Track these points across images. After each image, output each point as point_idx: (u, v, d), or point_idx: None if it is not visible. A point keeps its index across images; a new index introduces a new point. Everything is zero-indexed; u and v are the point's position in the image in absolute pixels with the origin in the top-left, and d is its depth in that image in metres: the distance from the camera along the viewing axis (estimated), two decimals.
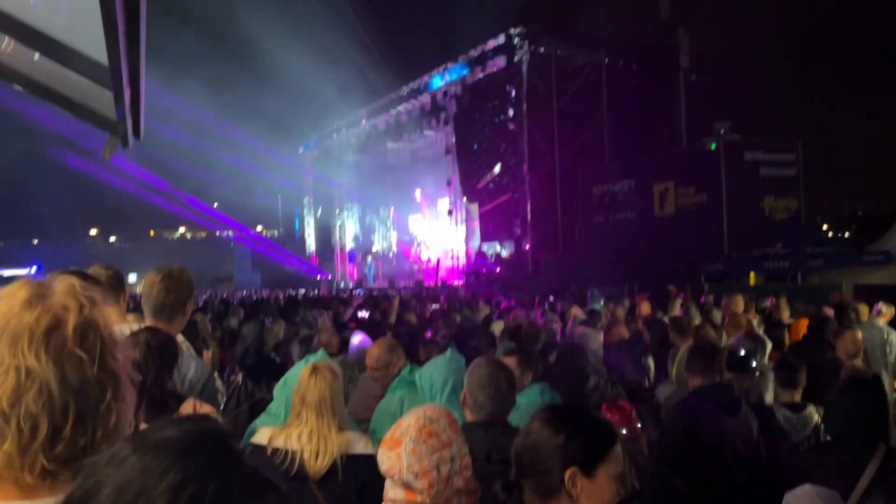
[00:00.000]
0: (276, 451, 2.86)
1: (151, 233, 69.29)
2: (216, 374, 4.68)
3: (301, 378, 2.99)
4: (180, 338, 3.31)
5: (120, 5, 2.60)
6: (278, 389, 3.50)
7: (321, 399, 2.90)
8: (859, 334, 5.54)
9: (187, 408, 2.44)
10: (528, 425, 1.76)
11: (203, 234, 66.98)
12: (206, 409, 2.54)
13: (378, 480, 2.87)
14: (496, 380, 2.80)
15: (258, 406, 4.13)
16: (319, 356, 4.25)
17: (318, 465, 2.81)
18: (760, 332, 7.03)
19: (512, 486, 1.74)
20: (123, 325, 3.11)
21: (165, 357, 2.43)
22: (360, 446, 2.92)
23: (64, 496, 0.88)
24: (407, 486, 1.88)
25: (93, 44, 3.73)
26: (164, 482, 0.84)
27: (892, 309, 7.80)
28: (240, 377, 4.48)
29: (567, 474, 1.62)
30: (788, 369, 4.37)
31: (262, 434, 2.97)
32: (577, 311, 8.82)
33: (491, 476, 2.15)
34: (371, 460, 2.88)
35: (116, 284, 3.23)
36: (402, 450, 1.89)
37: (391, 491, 1.93)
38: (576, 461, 1.64)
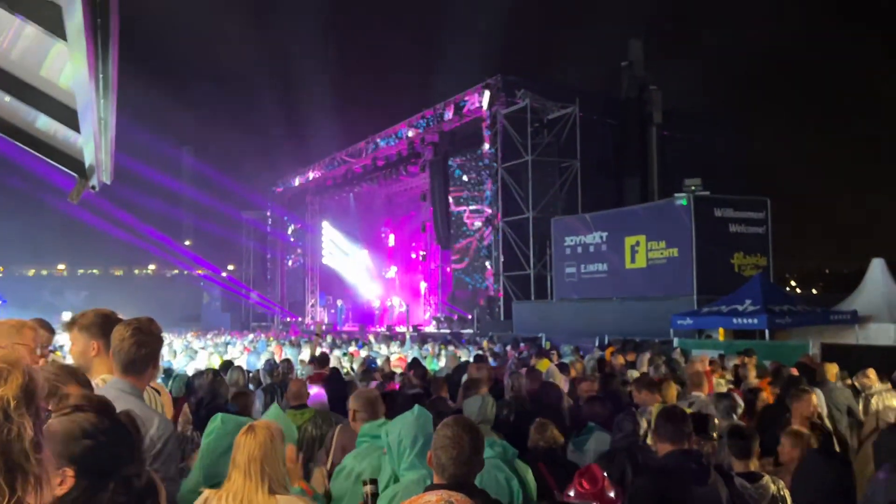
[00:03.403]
0: None
1: (120, 270, 68.34)
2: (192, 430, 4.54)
3: (237, 437, 2.93)
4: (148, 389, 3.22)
5: (90, 51, 2.57)
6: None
7: (249, 459, 2.82)
8: (814, 397, 5.52)
9: None
10: None
11: (173, 272, 66.24)
12: None
13: None
14: (460, 442, 2.75)
15: None
16: (272, 411, 4.16)
17: None
18: (725, 390, 7.06)
19: None
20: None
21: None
22: None
23: None
24: None
25: (64, 88, 3.70)
26: None
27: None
28: (189, 429, 4.35)
29: None
30: (741, 437, 4.25)
31: (202, 497, 2.89)
32: (549, 366, 8.76)
33: None
34: None
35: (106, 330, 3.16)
36: None
37: None
38: None
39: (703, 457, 3.74)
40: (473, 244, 28.77)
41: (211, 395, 4.59)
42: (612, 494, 3.12)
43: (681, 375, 8.58)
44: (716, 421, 4.87)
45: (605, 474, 3.45)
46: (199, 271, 55.21)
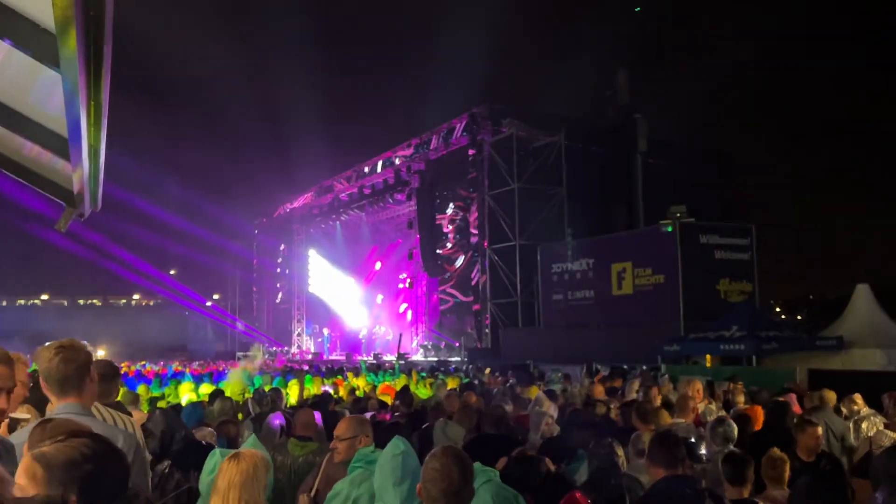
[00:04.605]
0: None
1: (104, 300, 67.74)
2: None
3: (221, 463, 2.96)
4: (101, 408, 3.15)
5: (83, 79, 2.56)
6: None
7: (229, 485, 2.85)
8: (820, 430, 5.45)
9: None
10: None
11: (157, 302, 65.72)
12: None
13: None
14: (448, 473, 2.69)
15: (192, 496, 3.90)
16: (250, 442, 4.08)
17: None
18: (715, 416, 7.02)
19: None
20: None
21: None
22: None
23: None
24: None
25: (54, 116, 3.68)
26: None
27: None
28: (166, 465, 4.26)
29: None
30: (736, 464, 4.19)
31: None
32: (538, 392, 8.72)
33: None
34: None
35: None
36: None
37: None
38: None
39: (696, 482, 3.73)
40: (460, 271, 28.77)
41: (171, 431, 4.50)
42: None
43: (670, 401, 8.55)
44: (703, 445, 4.85)
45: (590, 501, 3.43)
46: (185, 301, 54.84)
